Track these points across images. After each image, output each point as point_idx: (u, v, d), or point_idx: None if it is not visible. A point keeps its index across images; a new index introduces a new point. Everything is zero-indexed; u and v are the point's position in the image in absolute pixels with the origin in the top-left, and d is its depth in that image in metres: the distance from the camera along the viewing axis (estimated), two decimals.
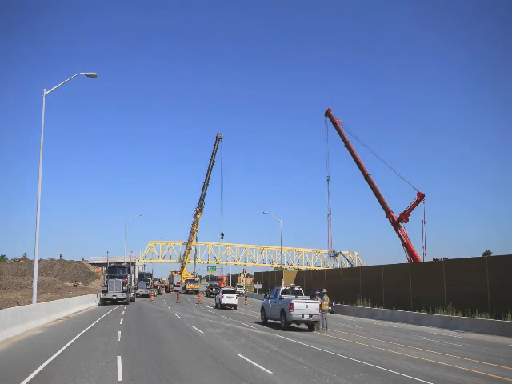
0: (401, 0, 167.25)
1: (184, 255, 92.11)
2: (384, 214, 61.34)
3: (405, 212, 58.44)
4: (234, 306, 40.30)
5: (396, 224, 59.20)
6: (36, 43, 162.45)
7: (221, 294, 41.18)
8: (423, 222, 56.11)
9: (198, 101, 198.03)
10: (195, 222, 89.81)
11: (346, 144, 63.38)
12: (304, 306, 22.20)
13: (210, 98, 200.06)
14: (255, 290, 76.97)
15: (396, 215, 59.63)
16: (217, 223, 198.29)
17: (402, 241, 59.13)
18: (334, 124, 64.91)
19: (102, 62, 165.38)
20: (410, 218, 58.54)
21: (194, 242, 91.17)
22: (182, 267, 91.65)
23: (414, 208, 57.78)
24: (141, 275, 67.34)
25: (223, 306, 39.93)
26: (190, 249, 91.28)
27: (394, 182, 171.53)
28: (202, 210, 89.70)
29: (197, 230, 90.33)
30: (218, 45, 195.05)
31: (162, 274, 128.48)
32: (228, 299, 39.81)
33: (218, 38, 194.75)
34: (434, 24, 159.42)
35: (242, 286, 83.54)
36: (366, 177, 62.11)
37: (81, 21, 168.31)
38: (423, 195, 56.84)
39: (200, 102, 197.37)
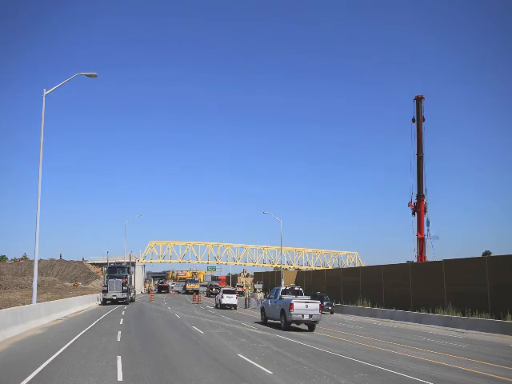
0: (398, 6, 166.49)
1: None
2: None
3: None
4: (234, 306, 40.33)
5: (420, 211, 55.24)
6: (37, 45, 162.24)
7: (221, 294, 41.23)
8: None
9: (197, 105, 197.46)
10: None
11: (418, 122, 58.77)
12: (304, 306, 22.19)
13: (210, 101, 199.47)
14: (255, 290, 76.98)
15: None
16: (216, 223, 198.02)
17: (419, 231, 55.19)
18: (418, 114, 60.75)
19: (103, 65, 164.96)
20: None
21: None
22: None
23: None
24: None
25: (223, 306, 39.96)
26: None
27: (393, 180, 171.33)
28: None
29: None
30: (216, 51, 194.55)
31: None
32: (228, 299, 39.85)
33: (217, 43, 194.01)
34: (433, 29, 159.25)
35: (242, 286, 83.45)
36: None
37: (82, 24, 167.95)
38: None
39: (199, 106, 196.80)
